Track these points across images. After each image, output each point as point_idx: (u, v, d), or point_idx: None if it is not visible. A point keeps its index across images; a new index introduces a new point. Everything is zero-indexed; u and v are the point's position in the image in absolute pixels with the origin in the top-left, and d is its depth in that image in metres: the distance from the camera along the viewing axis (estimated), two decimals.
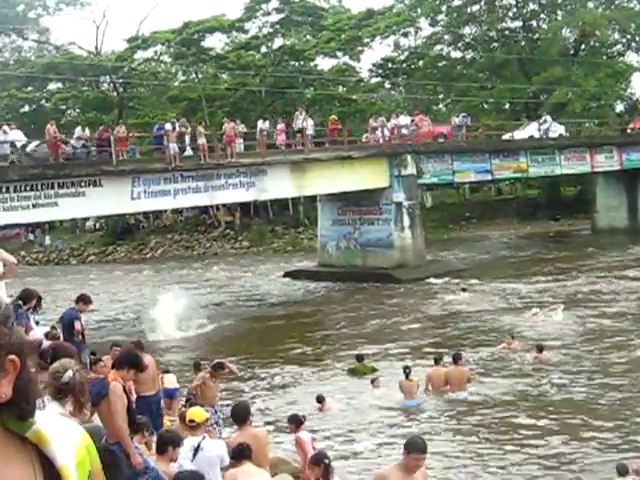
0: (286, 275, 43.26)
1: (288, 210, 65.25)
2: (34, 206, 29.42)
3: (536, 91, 63.14)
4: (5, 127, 30.60)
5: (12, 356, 1.79)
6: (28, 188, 29.09)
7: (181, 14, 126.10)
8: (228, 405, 13.91)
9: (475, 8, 69.40)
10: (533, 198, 67.44)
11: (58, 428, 1.89)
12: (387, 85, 79.33)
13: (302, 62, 71.52)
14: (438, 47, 73.13)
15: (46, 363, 6.56)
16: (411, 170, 39.49)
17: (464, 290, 32.70)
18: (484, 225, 62.46)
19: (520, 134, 47.36)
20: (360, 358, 21.46)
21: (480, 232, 60.33)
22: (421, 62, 73.12)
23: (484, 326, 26.41)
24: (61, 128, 37.65)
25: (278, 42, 74.60)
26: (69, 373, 5.98)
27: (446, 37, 72.27)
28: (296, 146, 38.12)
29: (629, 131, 52.24)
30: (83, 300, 13.43)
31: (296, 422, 12.22)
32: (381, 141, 40.19)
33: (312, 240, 54.43)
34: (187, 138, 34.13)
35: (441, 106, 75.92)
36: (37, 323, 13.09)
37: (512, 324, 25.96)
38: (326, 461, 9.26)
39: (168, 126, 33.77)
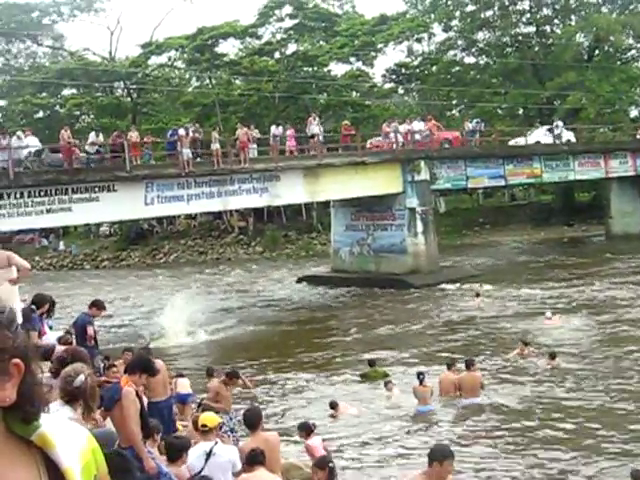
0: (299, 280, 43.27)
1: (301, 215, 65.25)
2: (48, 211, 29.52)
3: (550, 96, 63.06)
4: (19, 133, 30.76)
5: (16, 360, 1.79)
6: (42, 193, 29.19)
7: (195, 20, 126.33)
8: (241, 410, 13.90)
9: (489, 13, 69.31)
10: (547, 204, 67.25)
11: (63, 432, 1.89)
12: (400, 91, 79.30)
13: (315, 68, 71.55)
14: (451, 52, 73.19)
15: (62, 369, 6.58)
16: (424, 176, 39.47)
17: (477, 295, 32.64)
18: (498, 231, 62.29)
19: (523, 140, 46.97)
20: (372, 363, 21.44)
21: (493, 238, 60.18)
22: (434, 67, 73.08)
23: (497, 332, 26.33)
24: (75, 134, 37.80)
25: (292, 48, 74.71)
26: (81, 377, 6.00)
27: (460, 42, 72.29)
28: (309, 151, 38.13)
29: (638, 137, 52.04)
30: (96, 305, 13.45)
31: (306, 430, 12.22)
32: (394, 146, 40.15)
33: (325, 245, 54.41)
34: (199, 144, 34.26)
35: (454, 112, 75.83)
36: (50, 328, 13.15)
37: (526, 330, 25.86)
38: (330, 465, 9.27)
39: (182, 131, 33.85)
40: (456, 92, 69.58)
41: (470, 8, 69.19)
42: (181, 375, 16.77)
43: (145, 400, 8.50)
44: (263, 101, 69.18)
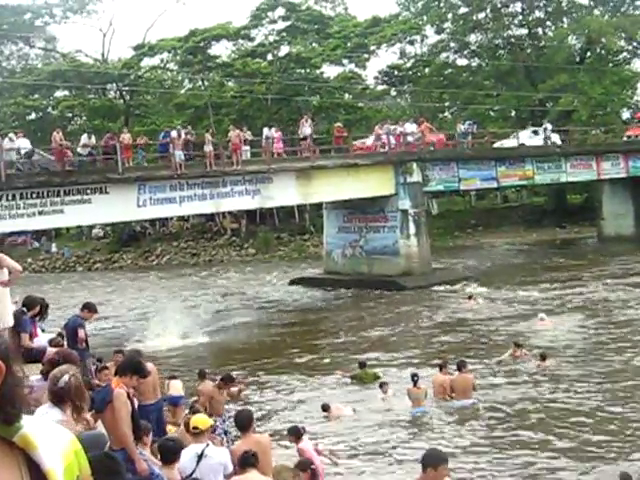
0: (292, 282, 43.24)
1: (294, 217, 65.23)
2: (40, 213, 29.46)
3: (542, 99, 63.18)
4: (11, 135, 30.72)
5: None
6: (34, 195, 29.14)
7: (187, 22, 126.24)
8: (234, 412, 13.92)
9: (481, 16, 69.46)
10: (539, 205, 67.39)
11: (45, 433, 1.89)
12: (393, 92, 79.40)
13: (308, 70, 71.54)
14: (444, 55, 73.30)
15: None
16: (417, 178, 39.49)
17: (470, 297, 32.68)
18: (490, 232, 62.36)
19: (511, 142, 46.93)
20: (362, 365, 21.43)
21: (486, 239, 60.26)
22: (427, 70, 73.19)
23: (490, 334, 26.36)
24: (67, 136, 37.74)
25: (284, 50, 74.76)
26: (65, 378, 6.01)
27: (452, 45, 72.44)
28: (301, 153, 38.12)
29: (625, 139, 52.12)
30: (88, 308, 13.42)
31: (296, 434, 12.22)
32: (386, 148, 40.16)
33: (318, 247, 54.40)
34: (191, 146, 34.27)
35: (447, 114, 75.93)
36: (43, 330, 13.12)
37: (519, 332, 25.91)
38: (312, 467, 9.30)
39: (174, 133, 33.82)
40: (448, 94, 69.71)
41: (462, 10, 69.35)
42: (173, 377, 16.75)
43: (135, 403, 8.48)
44: (256, 103, 69.15)
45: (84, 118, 77.51)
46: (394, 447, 15.70)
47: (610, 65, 67.50)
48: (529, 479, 13.61)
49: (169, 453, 8.41)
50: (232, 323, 32.89)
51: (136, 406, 8.12)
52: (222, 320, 33.78)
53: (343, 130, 42.15)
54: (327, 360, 24.53)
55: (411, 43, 75.73)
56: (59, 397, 6.10)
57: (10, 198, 28.67)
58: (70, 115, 79.40)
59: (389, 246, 39.76)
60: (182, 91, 77.02)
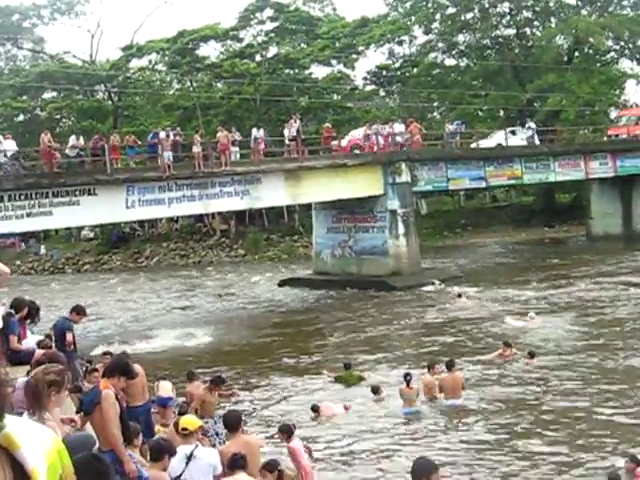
0: (281, 283, 43.21)
1: (283, 218, 65.28)
2: (28, 215, 29.37)
3: (530, 98, 63.27)
4: None
5: None
6: (22, 197, 29.07)
7: (176, 23, 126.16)
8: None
9: (469, 16, 69.50)
10: (528, 205, 67.62)
11: (28, 432, 1.90)
12: (381, 93, 79.55)
13: (297, 70, 71.64)
14: (432, 55, 73.40)
15: None
16: (405, 178, 39.50)
17: (459, 296, 32.77)
18: (479, 232, 62.50)
19: (487, 142, 46.70)
20: (348, 366, 21.44)
21: (475, 239, 60.39)
22: (415, 70, 73.27)
23: (479, 333, 26.40)
24: (56, 137, 37.69)
25: (273, 50, 74.81)
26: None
27: (440, 45, 72.50)
28: (290, 154, 38.12)
29: (605, 139, 52.24)
30: (77, 311, 13.41)
31: (287, 432, 12.24)
32: (375, 149, 40.19)
33: (307, 248, 54.41)
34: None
35: (435, 114, 76.09)
36: (32, 333, 13.10)
37: (508, 331, 25.96)
38: (280, 468, 9.33)
39: (162, 134, 33.78)
40: (437, 94, 69.87)
41: (450, 11, 69.36)
42: (163, 378, 16.73)
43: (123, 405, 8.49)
44: (244, 104, 69.20)
45: (72, 119, 77.44)
46: (384, 447, 15.71)
47: (598, 65, 67.66)
48: (519, 478, 13.64)
49: (159, 452, 8.43)
50: (221, 324, 32.86)
51: (124, 408, 8.12)
52: (211, 321, 33.78)
53: (332, 130, 42.19)
54: (317, 361, 24.54)
55: (399, 43, 75.86)
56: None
57: None
58: (58, 116, 79.30)
59: (378, 246, 39.79)
60: (170, 92, 76.99)
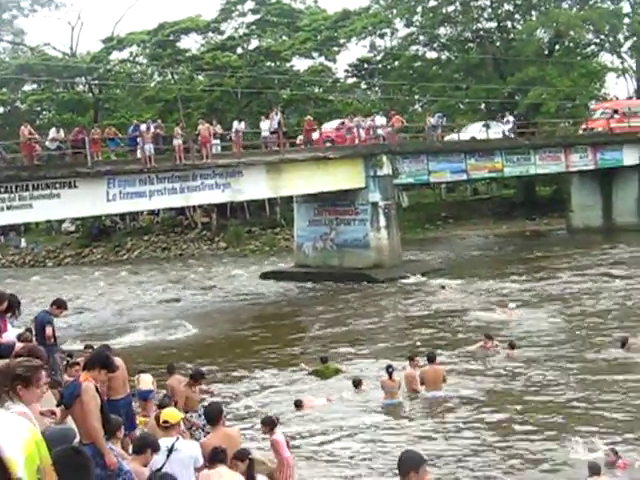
0: (263, 276, 43.19)
1: (265, 211, 65.24)
2: (8, 208, 29.21)
3: (511, 91, 63.44)
4: None
5: None
6: (2, 190, 28.91)
7: (156, 15, 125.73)
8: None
9: (450, 9, 69.55)
10: (509, 198, 67.85)
11: (5, 423, 1.91)
12: (363, 85, 79.54)
13: (278, 63, 71.51)
14: (414, 48, 73.39)
15: None
16: (387, 170, 39.56)
17: (443, 287, 32.92)
18: (460, 225, 62.69)
19: (461, 136, 46.58)
20: (324, 360, 21.50)
21: (456, 232, 60.57)
22: (397, 62, 73.24)
23: (461, 325, 26.50)
24: (36, 130, 37.47)
25: (254, 43, 74.67)
26: None
27: (421, 38, 72.53)
28: (271, 147, 38.06)
29: (581, 132, 52.43)
30: (57, 304, 13.35)
31: (270, 424, 12.25)
32: (356, 141, 40.19)
33: (289, 241, 54.43)
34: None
35: (417, 106, 76.20)
36: (13, 326, 13.05)
37: (489, 323, 26.09)
38: (250, 457, 9.35)
39: (143, 127, 33.66)
40: (418, 87, 69.97)
41: (432, 3, 69.33)
42: (143, 371, 16.72)
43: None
44: (225, 96, 69.06)
45: (53, 112, 77.00)
46: (366, 439, 15.77)
47: (578, 58, 67.89)
48: (499, 470, 13.72)
49: (142, 445, 8.43)
50: (202, 317, 32.81)
51: (105, 400, 8.11)
52: (193, 314, 33.74)
53: (313, 123, 42.12)
54: (298, 354, 24.57)
55: (381, 36, 75.80)
56: None
57: None
58: (39, 109, 78.88)
59: (359, 239, 39.83)
60: (151, 84, 76.65)
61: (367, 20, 72.00)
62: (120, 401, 11.67)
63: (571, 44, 67.77)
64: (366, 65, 75.85)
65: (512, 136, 47.09)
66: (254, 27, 74.33)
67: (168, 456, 8.80)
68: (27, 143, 30.65)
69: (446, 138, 46.18)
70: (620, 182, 50.70)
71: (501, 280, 34.91)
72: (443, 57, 73.91)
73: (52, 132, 32.96)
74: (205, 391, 16.24)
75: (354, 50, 76.63)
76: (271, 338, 27.35)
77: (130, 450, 9.20)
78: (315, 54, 74.40)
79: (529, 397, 17.75)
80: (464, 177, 46.28)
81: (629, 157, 49.72)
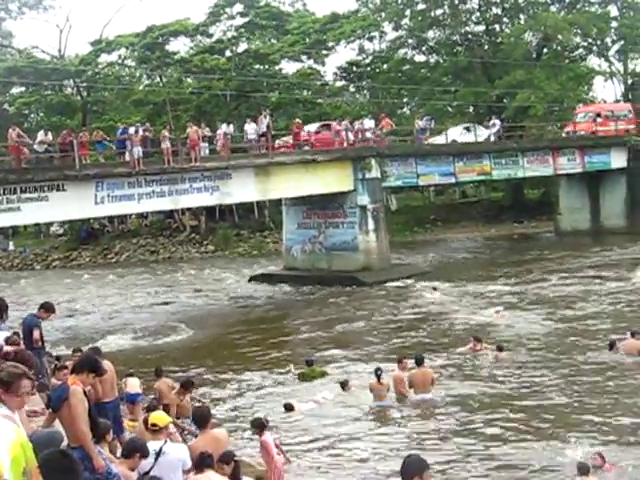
0: (251, 279, 43.18)
1: (253, 214, 65.21)
2: None
3: (499, 94, 63.59)
4: None
5: None
6: None
7: (145, 18, 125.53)
8: None
9: (439, 12, 69.66)
10: (497, 201, 68.01)
11: None
12: (352, 89, 79.67)
13: (267, 66, 71.60)
14: (402, 51, 73.59)
15: None
16: (375, 173, 39.61)
17: (434, 289, 33.03)
18: (449, 228, 62.81)
19: (441, 139, 46.21)
20: (310, 363, 21.52)
21: (445, 235, 60.70)
22: (385, 66, 73.45)
23: (450, 328, 26.53)
24: (24, 132, 37.40)
25: (243, 46, 74.76)
26: None
27: (410, 41, 72.67)
28: (260, 149, 38.07)
29: (564, 135, 52.56)
30: (45, 308, 13.35)
31: (259, 426, 12.25)
32: (345, 144, 40.19)
33: (277, 244, 54.40)
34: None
35: (405, 109, 76.34)
36: (1, 329, 13.04)
37: (478, 325, 26.13)
38: (235, 459, 9.36)
39: (132, 130, 33.61)
40: (407, 90, 70.16)
41: (420, 7, 69.45)
42: (131, 375, 16.70)
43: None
44: (214, 99, 69.05)
45: (41, 115, 76.94)
46: (354, 442, 15.76)
47: (566, 61, 68.19)
48: (488, 472, 13.74)
49: (131, 450, 8.44)
50: (191, 320, 32.75)
51: (93, 404, 8.11)
52: (181, 317, 33.68)
53: (302, 126, 42.15)
54: (287, 356, 24.53)
55: (370, 39, 75.99)
56: None
57: None
58: (27, 112, 78.77)
59: (348, 242, 39.84)
60: (140, 87, 76.69)
61: (356, 23, 72.16)
62: (109, 404, 11.68)
63: (559, 47, 67.94)
64: (355, 68, 75.95)
65: (492, 139, 47.10)
66: (243, 30, 74.37)
67: (156, 459, 8.80)
68: (15, 146, 30.54)
69: (429, 141, 45.98)
70: (608, 185, 50.89)
71: (489, 283, 34.96)
72: (431, 60, 74.10)
73: (40, 135, 32.84)
74: (196, 400, 16.29)
75: (343, 53, 76.87)
76: (259, 341, 27.30)
77: (118, 453, 9.20)
78: (304, 57, 74.46)
79: (517, 399, 17.77)
80: (452, 180, 46.28)
81: (617, 160, 49.91)
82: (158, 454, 8.84)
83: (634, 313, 26.47)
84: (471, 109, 69.65)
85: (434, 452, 14.70)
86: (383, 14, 71.62)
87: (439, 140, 45.89)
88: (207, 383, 21.07)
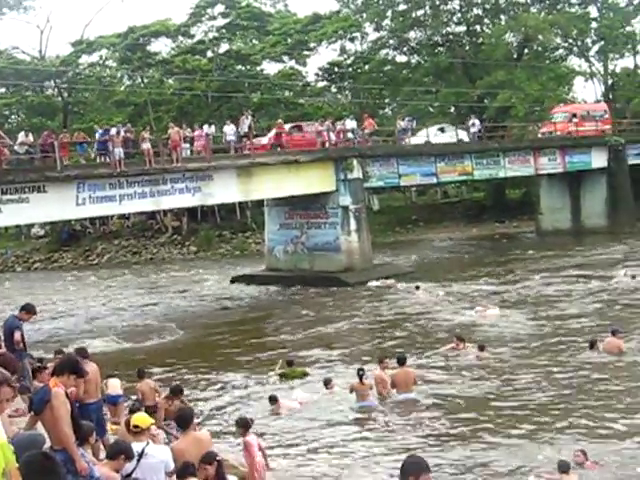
0: (233, 280, 43.11)
1: (235, 215, 65.18)
2: None
3: (480, 95, 63.77)
4: None
5: None
6: None
7: (126, 18, 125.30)
8: None
9: (420, 13, 69.79)
10: (479, 201, 68.25)
11: None
12: (333, 89, 79.73)
13: (248, 66, 71.60)
14: (384, 51, 73.70)
15: None
16: (357, 174, 39.66)
17: (417, 288, 33.08)
18: (431, 228, 62.98)
19: (415, 140, 45.80)
20: (290, 363, 21.59)
21: (427, 235, 60.84)
22: (367, 66, 73.55)
23: (432, 328, 26.59)
24: (5, 134, 37.23)
25: (224, 46, 74.68)
26: None
27: (391, 42, 72.73)
28: (242, 150, 38.02)
29: (540, 135, 52.75)
30: (26, 310, 13.31)
31: (244, 426, 12.25)
32: (327, 145, 40.21)
33: (260, 245, 54.41)
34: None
35: (387, 110, 76.47)
36: None
37: (461, 325, 26.20)
38: (218, 459, 9.36)
39: (113, 131, 33.53)
40: (388, 90, 70.31)
41: (402, 7, 69.53)
42: (112, 376, 16.66)
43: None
44: (195, 100, 68.97)
45: (22, 116, 76.59)
46: (337, 443, 15.77)
47: (547, 62, 68.51)
48: (468, 471, 13.78)
49: (116, 452, 8.43)
50: (172, 322, 32.66)
51: (75, 406, 8.09)
52: (162, 319, 33.60)
53: (283, 127, 42.14)
54: (269, 357, 24.51)
55: (351, 40, 76.12)
56: None
57: None
58: (7, 113, 78.37)
59: (330, 242, 39.86)
60: (121, 88, 76.49)
61: (337, 24, 72.21)
62: (92, 405, 11.66)
63: (539, 48, 68.22)
64: (336, 69, 76.02)
65: (467, 140, 47.17)
66: (224, 31, 74.32)
67: (138, 461, 8.78)
68: None
69: (405, 141, 45.84)
70: (588, 185, 51.21)
71: (471, 283, 35.07)
72: (413, 61, 74.24)
73: (21, 136, 32.68)
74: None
75: (324, 54, 76.97)
76: (241, 342, 27.28)
77: (101, 455, 9.18)
78: (285, 58, 74.50)
79: (499, 398, 17.82)
80: (434, 180, 46.40)
81: (597, 160, 50.24)
82: (140, 456, 8.82)
83: (615, 312, 26.64)
84: (452, 109, 69.78)
85: (417, 452, 14.73)
86: (364, 15, 71.70)
87: (415, 141, 45.74)
88: (189, 383, 21.02)
